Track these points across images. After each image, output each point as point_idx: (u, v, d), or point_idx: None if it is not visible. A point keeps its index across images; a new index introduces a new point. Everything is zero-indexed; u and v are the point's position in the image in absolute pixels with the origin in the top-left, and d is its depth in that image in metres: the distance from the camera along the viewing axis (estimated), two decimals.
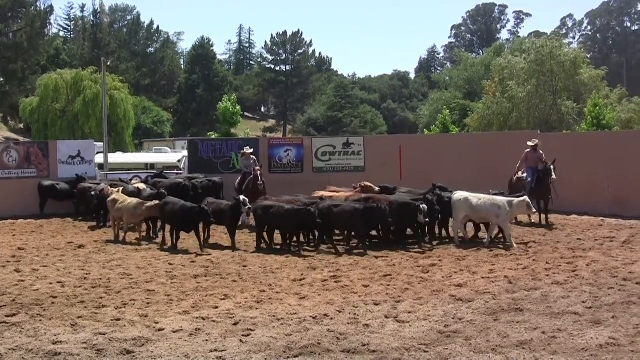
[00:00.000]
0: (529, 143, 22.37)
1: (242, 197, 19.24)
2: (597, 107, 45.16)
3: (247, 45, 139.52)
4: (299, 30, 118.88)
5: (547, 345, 9.11)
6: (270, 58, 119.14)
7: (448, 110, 55.08)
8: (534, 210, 18.52)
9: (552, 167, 21.53)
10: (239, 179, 23.59)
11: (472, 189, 19.70)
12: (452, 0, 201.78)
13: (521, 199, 17.76)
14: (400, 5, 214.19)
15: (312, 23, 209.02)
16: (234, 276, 14.51)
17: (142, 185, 23.58)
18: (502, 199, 17.82)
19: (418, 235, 18.31)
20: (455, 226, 18.58)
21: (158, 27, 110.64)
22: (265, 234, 18.59)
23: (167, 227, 18.98)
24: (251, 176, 22.86)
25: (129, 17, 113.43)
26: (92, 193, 22.63)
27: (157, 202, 19.45)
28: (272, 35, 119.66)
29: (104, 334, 9.86)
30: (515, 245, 17.19)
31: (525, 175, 22.30)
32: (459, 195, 18.38)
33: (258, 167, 23.28)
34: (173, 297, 12.52)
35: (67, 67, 69.51)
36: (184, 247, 18.36)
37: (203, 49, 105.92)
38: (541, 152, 22.13)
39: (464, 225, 18.93)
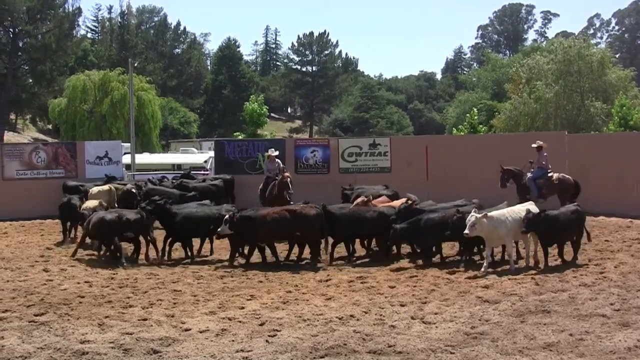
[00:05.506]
0: (533, 145, 22.00)
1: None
2: (624, 108, 44.70)
3: (274, 46, 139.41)
4: (325, 31, 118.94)
5: (575, 347, 9.04)
6: (297, 59, 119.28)
7: (476, 110, 54.53)
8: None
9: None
10: (262, 183, 22.78)
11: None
12: (478, 0, 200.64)
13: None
14: (427, 5, 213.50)
15: (339, 24, 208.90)
16: (260, 276, 14.57)
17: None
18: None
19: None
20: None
21: (185, 28, 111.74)
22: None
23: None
24: (275, 181, 21.88)
25: (156, 19, 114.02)
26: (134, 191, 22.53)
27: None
28: (298, 36, 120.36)
29: (131, 334, 9.95)
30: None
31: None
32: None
33: (288, 173, 22.02)
34: (199, 297, 12.60)
35: (95, 68, 69.99)
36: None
37: (229, 49, 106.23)
38: (545, 154, 21.80)
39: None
